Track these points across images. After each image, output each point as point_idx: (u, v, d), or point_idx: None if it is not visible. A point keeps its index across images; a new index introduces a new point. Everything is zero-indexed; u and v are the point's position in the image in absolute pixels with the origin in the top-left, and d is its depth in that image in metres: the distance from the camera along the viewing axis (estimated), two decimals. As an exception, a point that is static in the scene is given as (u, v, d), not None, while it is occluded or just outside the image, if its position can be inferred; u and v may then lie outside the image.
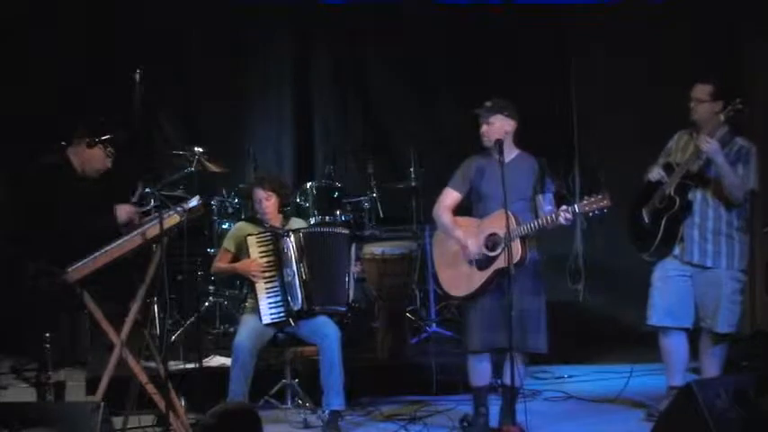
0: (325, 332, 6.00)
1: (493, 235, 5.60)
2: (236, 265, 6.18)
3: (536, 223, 5.54)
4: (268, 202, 6.17)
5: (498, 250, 5.56)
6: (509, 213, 5.48)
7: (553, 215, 5.51)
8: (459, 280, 5.74)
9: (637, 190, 6.07)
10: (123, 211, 5.53)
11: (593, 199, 5.43)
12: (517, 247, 5.53)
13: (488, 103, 5.73)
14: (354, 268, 6.22)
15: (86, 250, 5.30)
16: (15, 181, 5.74)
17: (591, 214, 5.49)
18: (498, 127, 5.69)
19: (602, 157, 8.19)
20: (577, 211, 5.47)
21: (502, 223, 5.50)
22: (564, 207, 5.51)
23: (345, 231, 6.32)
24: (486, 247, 5.62)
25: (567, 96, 8.65)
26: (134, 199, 5.65)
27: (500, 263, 5.55)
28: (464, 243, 5.67)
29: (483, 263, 5.63)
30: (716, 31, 7.61)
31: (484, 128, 5.71)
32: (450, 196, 5.81)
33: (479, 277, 5.64)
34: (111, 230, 5.44)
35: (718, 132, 5.78)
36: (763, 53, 7.63)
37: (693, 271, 5.89)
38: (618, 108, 8.12)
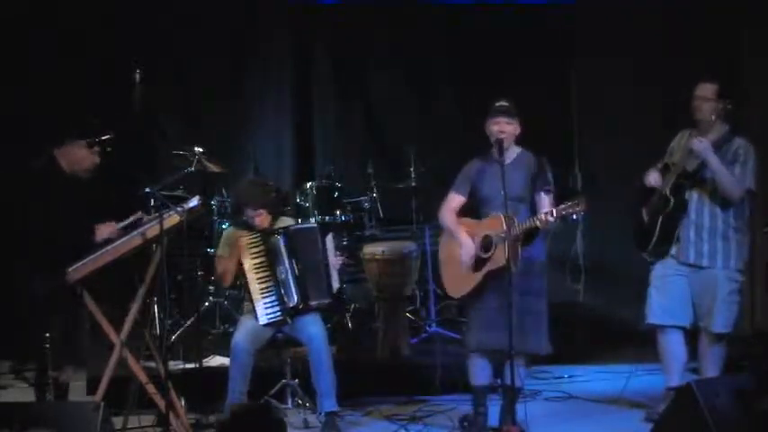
0: (311, 333, 5.97)
1: (487, 237, 5.63)
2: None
3: (523, 226, 5.52)
4: (259, 218, 6.16)
5: (491, 252, 5.59)
6: (505, 215, 5.49)
7: (532, 218, 5.52)
8: (456, 281, 5.81)
9: (638, 189, 6.07)
10: (105, 231, 5.51)
11: (569, 204, 5.43)
12: (504, 250, 5.48)
13: (508, 104, 5.73)
14: (335, 259, 6.20)
15: (72, 255, 5.31)
16: (4, 184, 5.73)
17: (569, 219, 5.51)
18: (513, 130, 5.75)
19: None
20: (555, 214, 5.44)
21: (497, 225, 5.53)
22: (544, 211, 5.50)
23: (314, 225, 6.35)
24: (482, 249, 5.65)
25: (568, 96, 8.65)
26: (125, 223, 5.60)
27: (491, 265, 5.59)
28: (464, 244, 5.69)
29: (477, 264, 5.67)
30: (716, 32, 7.60)
31: (504, 126, 5.71)
32: (454, 200, 5.87)
33: (473, 279, 5.68)
34: (88, 245, 5.42)
35: (718, 131, 5.79)
36: (762, 53, 7.63)
37: (689, 271, 5.89)
38: (619, 108, 8.11)
